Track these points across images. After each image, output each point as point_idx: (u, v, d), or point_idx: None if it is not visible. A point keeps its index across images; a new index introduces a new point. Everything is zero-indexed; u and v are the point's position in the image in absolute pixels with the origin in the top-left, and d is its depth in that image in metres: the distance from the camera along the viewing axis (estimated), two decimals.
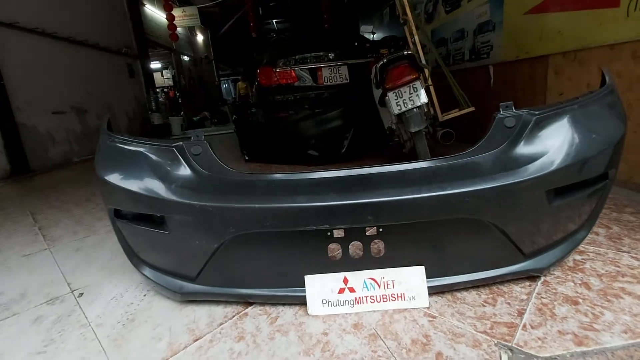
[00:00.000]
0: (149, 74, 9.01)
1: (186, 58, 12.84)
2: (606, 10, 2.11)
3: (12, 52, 4.77)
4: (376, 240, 1.18)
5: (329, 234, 1.15)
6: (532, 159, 1.09)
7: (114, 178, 1.21)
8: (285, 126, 3.77)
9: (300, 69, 3.88)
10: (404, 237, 1.17)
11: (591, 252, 1.40)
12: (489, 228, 1.12)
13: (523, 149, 1.11)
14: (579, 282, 1.23)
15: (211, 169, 1.18)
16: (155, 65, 12.35)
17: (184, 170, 1.17)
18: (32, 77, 5.10)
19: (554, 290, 1.19)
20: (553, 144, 1.11)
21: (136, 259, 1.35)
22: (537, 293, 1.19)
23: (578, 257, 1.37)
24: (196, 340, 1.12)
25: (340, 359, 0.98)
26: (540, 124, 1.12)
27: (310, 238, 1.16)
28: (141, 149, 1.21)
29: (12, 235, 2.27)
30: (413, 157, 2.50)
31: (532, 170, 1.07)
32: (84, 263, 1.76)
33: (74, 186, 3.70)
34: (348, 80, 3.84)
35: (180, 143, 1.19)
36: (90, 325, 1.25)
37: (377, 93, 2.93)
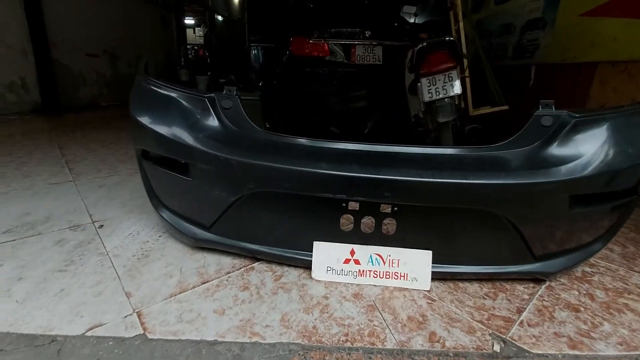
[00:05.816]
0: (181, 28, 8.98)
1: (220, 18, 12.67)
2: None
3: None
4: (389, 219, 1.19)
5: (344, 205, 1.17)
6: (563, 161, 1.06)
7: (145, 119, 1.25)
8: (311, 99, 3.75)
9: (334, 44, 3.79)
10: (417, 219, 1.18)
11: (602, 267, 1.39)
12: (504, 224, 1.11)
13: (555, 149, 1.08)
14: (584, 292, 1.22)
15: (239, 124, 1.20)
16: (189, 21, 12.23)
17: (213, 122, 1.20)
18: (71, 15, 5.16)
19: (557, 296, 1.19)
20: (587, 149, 1.08)
21: (156, 201, 1.41)
22: (539, 295, 1.19)
23: (587, 269, 1.36)
24: (204, 283, 1.18)
25: (338, 321, 1.03)
26: (579, 128, 1.09)
27: (325, 206, 1.18)
28: (174, 95, 1.24)
29: (40, 164, 2.39)
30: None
31: (561, 172, 1.05)
32: (105, 199, 1.85)
33: (101, 128, 3.82)
34: (381, 62, 3.75)
35: (213, 94, 1.21)
36: (108, 254, 1.33)
37: (408, 78, 2.85)
